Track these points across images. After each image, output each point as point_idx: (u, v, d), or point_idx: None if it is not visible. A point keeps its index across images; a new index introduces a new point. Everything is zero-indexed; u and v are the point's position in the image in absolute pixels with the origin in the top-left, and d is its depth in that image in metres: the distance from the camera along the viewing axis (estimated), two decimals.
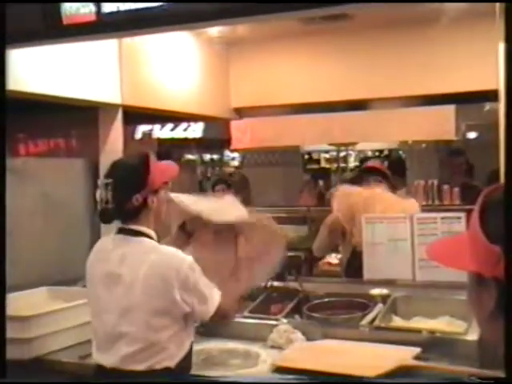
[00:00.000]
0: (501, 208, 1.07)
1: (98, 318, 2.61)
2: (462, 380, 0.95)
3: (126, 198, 2.52)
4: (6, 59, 2.36)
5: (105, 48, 4.15)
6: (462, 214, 3.63)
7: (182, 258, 2.50)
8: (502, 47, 4.30)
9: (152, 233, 2.60)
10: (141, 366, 2.45)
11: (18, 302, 3.40)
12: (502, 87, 4.35)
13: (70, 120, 4.82)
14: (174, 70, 4.85)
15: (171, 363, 2.49)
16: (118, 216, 2.59)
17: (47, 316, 3.22)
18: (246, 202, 4.37)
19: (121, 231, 2.62)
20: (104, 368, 2.54)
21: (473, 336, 2.91)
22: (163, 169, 2.67)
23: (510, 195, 1.04)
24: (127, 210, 2.55)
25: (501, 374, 1.12)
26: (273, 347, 3.14)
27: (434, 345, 2.96)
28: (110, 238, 2.67)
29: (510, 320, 1.00)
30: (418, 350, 2.88)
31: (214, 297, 2.55)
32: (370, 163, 4.79)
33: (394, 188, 4.57)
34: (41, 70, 3.73)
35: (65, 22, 2.78)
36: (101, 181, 2.55)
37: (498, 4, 3.29)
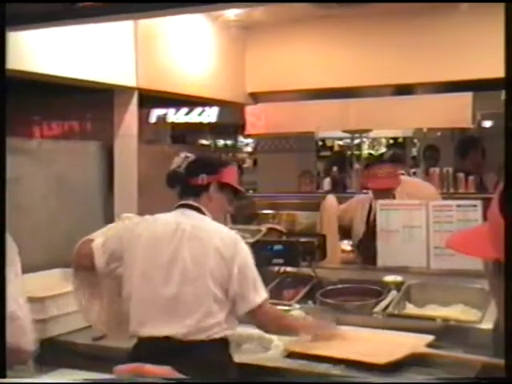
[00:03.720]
0: None
1: (152, 288, 2.65)
2: (461, 380, 0.94)
3: (195, 172, 2.80)
4: (5, 41, 2.34)
5: (121, 30, 4.13)
6: (478, 202, 3.60)
7: (246, 246, 2.72)
8: None
9: (210, 215, 2.78)
10: (202, 336, 2.57)
11: (32, 283, 3.40)
12: None
13: (85, 103, 4.81)
14: (189, 53, 4.83)
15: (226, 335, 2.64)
16: (183, 187, 2.82)
17: (61, 297, 3.24)
18: None
19: (182, 206, 2.79)
20: (157, 339, 2.57)
21: (487, 325, 2.90)
22: (233, 178, 2.90)
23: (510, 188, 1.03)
24: (191, 185, 2.79)
25: None
26: None
27: (447, 333, 2.95)
28: (170, 214, 2.80)
29: (509, 320, 0.99)
30: (431, 337, 2.87)
31: (263, 293, 2.70)
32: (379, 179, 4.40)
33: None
34: (57, 51, 3.72)
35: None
36: (183, 153, 2.86)
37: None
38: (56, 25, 3.19)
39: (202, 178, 2.79)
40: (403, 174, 5.23)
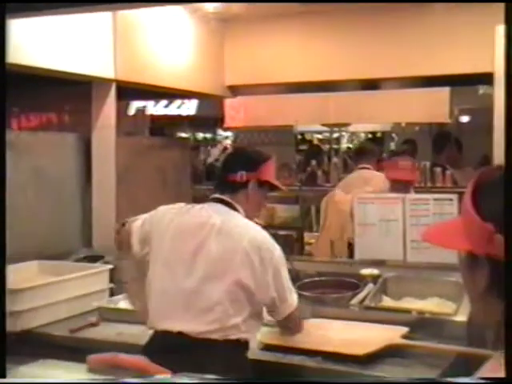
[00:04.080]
0: (493, 188, 1.11)
1: (172, 280, 2.58)
2: (461, 380, 0.96)
3: (233, 168, 2.69)
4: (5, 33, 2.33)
5: (99, 22, 4.11)
6: (454, 196, 3.64)
7: (276, 246, 2.62)
8: (498, 30, 4.29)
9: (243, 212, 2.68)
10: (216, 335, 2.50)
11: (10, 275, 3.38)
12: (496, 71, 4.35)
13: (63, 94, 4.79)
14: (168, 45, 4.82)
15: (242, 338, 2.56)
16: (221, 182, 2.72)
17: (38, 289, 3.23)
18: None
19: (216, 200, 2.70)
20: (171, 333, 2.49)
21: (461, 317, 2.93)
22: (272, 174, 2.80)
23: (509, 181, 1.05)
24: (228, 181, 2.68)
25: (488, 352, 1.14)
26: (263, 324, 3.16)
27: (423, 325, 2.99)
28: (202, 205, 2.71)
29: (510, 319, 1.01)
30: (405, 329, 2.90)
31: (294, 297, 2.66)
32: (399, 168, 4.35)
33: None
34: (34, 42, 3.70)
35: None
36: (221, 144, 2.68)
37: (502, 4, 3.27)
38: (36, 15, 3.18)
39: (241, 175, 2.67)
40: (368, 169, 5.32)
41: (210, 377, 2.02)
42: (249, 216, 2.71)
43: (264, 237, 2.61)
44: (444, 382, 1.12)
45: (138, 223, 2.77)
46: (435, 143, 6.91)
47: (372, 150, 5.83)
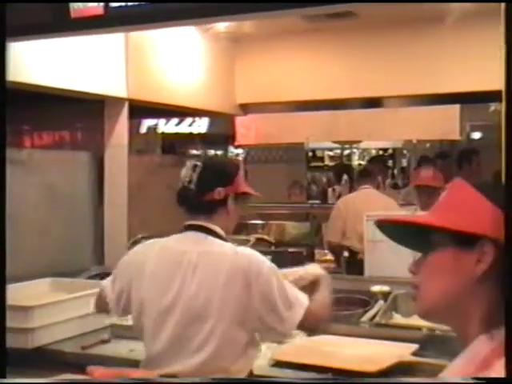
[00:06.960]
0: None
1: (158, 324, 2.34)
2: (461, 380, 0.96)
3: (209, 186, 2.38)
4: (5, 52, 2.37)
5: (111, 41, 4.17)
6: None
7: (263, 260, 2.36)
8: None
9: (223, 234, 2.42)
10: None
11: (22, 292, 3.43)
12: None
13: (76, 113, 4.85)
14: (180, 64, 4.87)
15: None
16: (196, 203, 2.40)
17: (50, 306, 3.25)
18: None
19: (191, 228, 2.42)
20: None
21: None
22: (244, 183, 2.54)
23: (510, 193, 1.07)
24: (206, 201, 2.38)
25: None
26: (273, 341, 3.17)
27: (433, 342, 2.99)
28: (174, 238, 2.45)
29: (509, 319, 1.03)
30: (415, 346, 2.91)
31: (302, 301, 2.35)
32: (422, 176, 4.53)
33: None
34: (47, 62, 3.75)
35: (73, 15, 2.80)
36: (190, 162, 2.44)
37: (502, 4, 3.30)
38: (50, 36, 3.22)
39: (219, 192, 2.39)
40: (367, 188, 5.35)
41: (211, 376, 2.00)
42: (228, 231, 2.47)
43: (244, 260, 2.32)
44: (444, 382, 1.13)
45: (107, 284, 2.52)
46: (463, 159, 6.82)
47: (374, 171, 5.87)
